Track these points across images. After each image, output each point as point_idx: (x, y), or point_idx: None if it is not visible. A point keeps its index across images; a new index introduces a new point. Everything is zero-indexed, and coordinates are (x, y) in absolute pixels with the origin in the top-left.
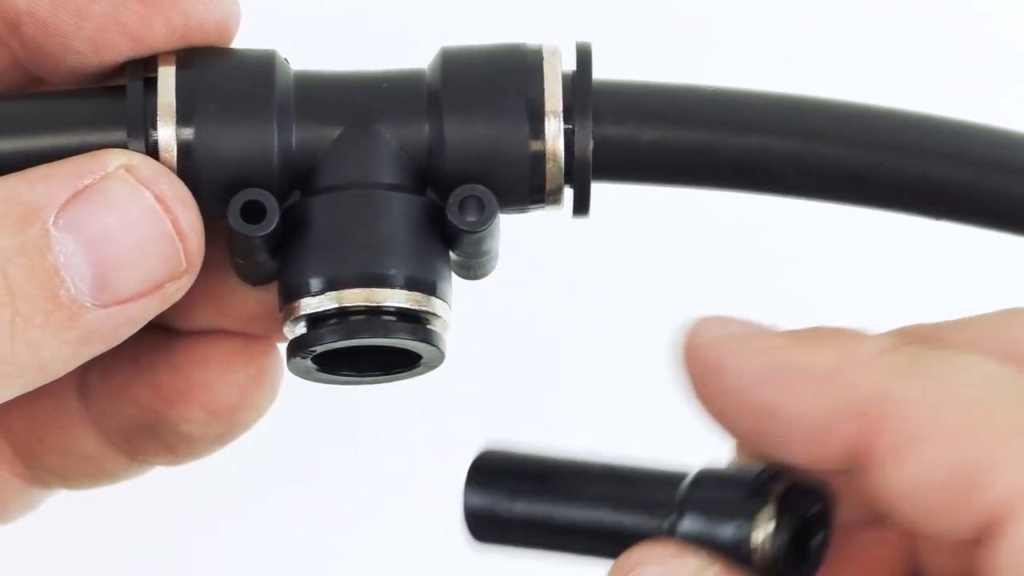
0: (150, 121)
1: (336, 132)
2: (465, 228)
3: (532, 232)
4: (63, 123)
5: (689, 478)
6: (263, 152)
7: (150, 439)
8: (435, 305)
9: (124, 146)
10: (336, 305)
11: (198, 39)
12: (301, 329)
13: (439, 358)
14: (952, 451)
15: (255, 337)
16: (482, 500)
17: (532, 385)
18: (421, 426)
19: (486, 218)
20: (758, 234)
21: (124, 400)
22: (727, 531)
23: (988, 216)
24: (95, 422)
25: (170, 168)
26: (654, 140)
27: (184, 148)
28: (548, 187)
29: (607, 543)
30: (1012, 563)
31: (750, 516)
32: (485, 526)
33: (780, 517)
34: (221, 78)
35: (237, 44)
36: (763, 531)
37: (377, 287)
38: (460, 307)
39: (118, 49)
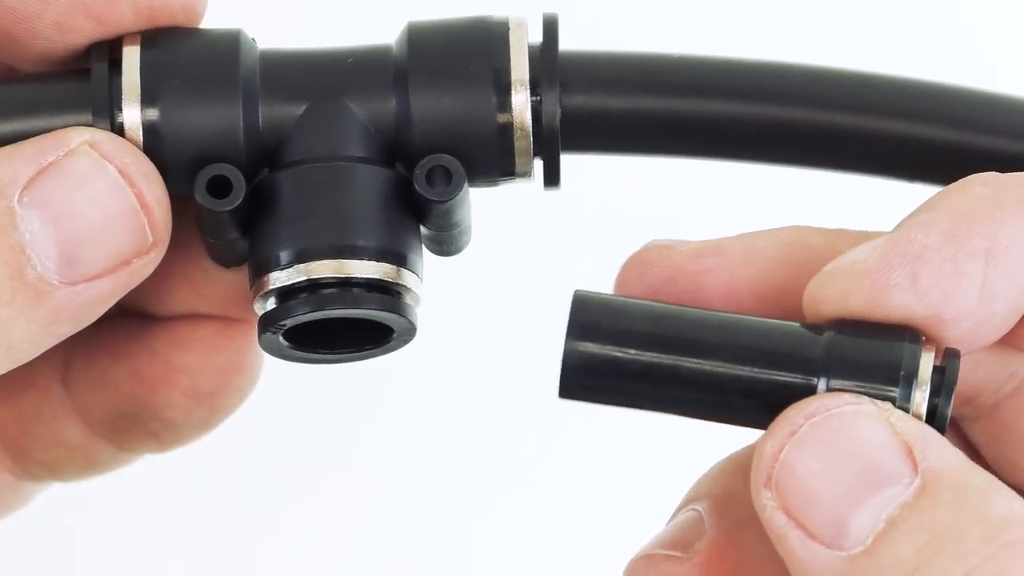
0: (115, 102)
1: (302, 108)
2: (433, 198)
3: (508, 206)
4: (29, 107)
5: (828, 334)
6: (229, 129)
7: (134, 426)
8: (405, 277)
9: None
10: (305, 277)
11: (164, 20)
12: (271, 304)
13: (411, 331)
14: None
15: (233, 320)
16: (589, 348)
17: (517, 367)
18: (417, 420)
19: (453, 188)
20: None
21: (106, 388)
22: (883, 391)
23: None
24: (80, 412)
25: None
26: (623, 109)
27: (150, 128)
28: (517, 158)
29: (737, 399)
30: None
31: (908, 378)
32: (587, 377)
33: (934, 378)
34: (185, 57)
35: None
36: (922, 393)
37: (346, 258)
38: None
39: (84, 32)
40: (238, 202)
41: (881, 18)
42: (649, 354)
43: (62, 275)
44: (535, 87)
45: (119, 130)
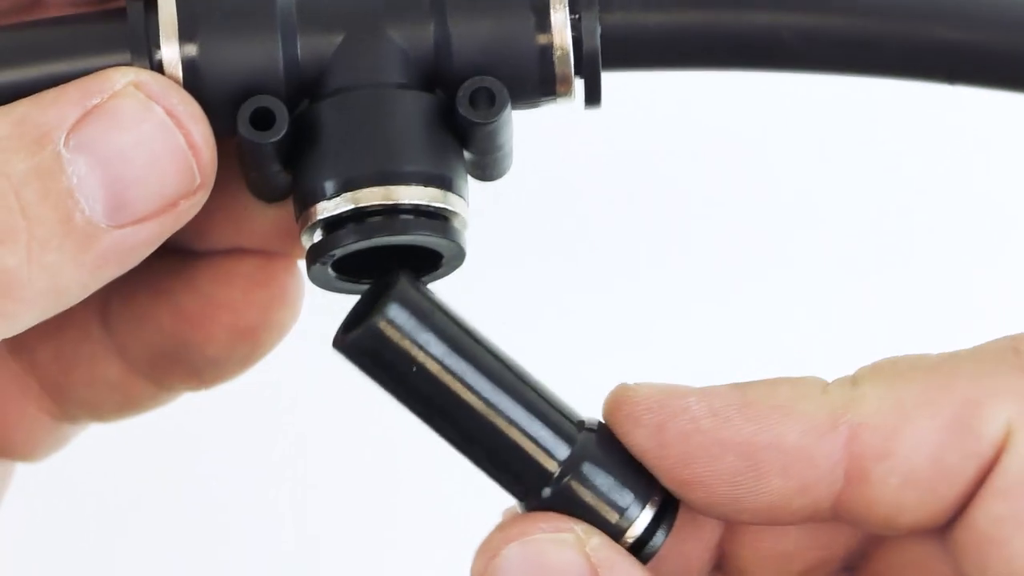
0: (152, 40)
1: (341, 37)
2: (477, 120)
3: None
4: (68, 49)
5: (586, 436)
6: (269, 62)
7: (175, 364)
8: (452, 201)
9: (129, 66)
10: (352, 206)
11: None
12: (318, 236)
13: (460, 255)
14: (936, 413)
15: (275, 255)
16: (400, 327)
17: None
18: None
19: (497, 109)
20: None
21: (147, 326)
22: (612, 509)
23: (999, 76)
24: (120, 351)
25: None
26: (662, 23)
27: (189, 64)
28: (558, 79)
29: (490, 453)
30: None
31: (641, 501)
32: (372, 354)
33: (661, 511)
34: None
35: None
36: (646, 519)
37: (393, 185)
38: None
39: None
40: (282, 133)
41: None
42: (434, 370)
43: (110, 218)
44: (574, 6)
45: (158, 68)
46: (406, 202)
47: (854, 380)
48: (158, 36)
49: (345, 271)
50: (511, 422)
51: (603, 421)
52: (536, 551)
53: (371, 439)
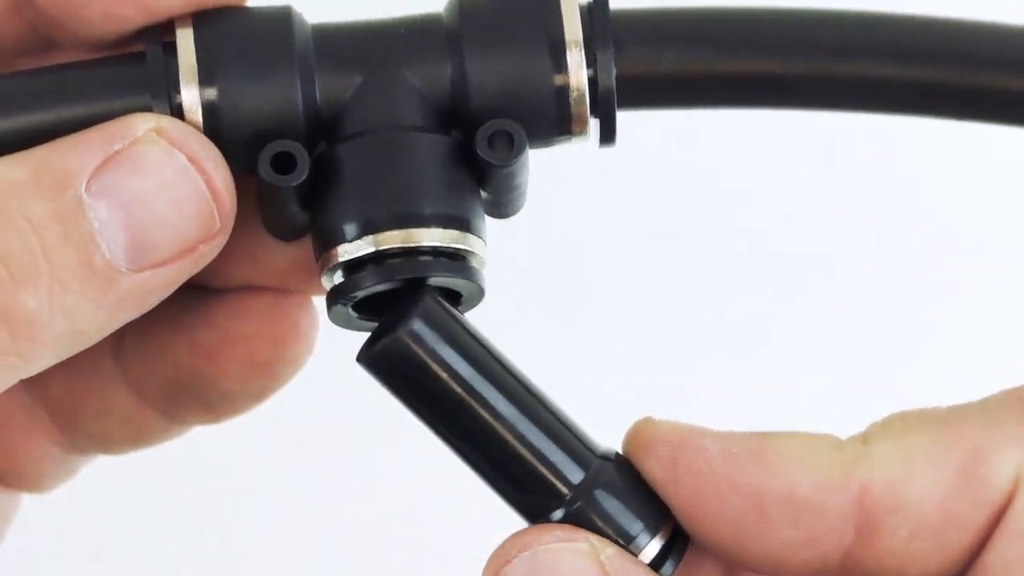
0: (172, 84)
1: (359, 80)
2: (496, 163)
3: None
4: (87, 93)
5: (601, 464)
6: (288, 105)
7: (189, 397)
8: (471, 242)
9: (149, 110)
10: (373, 249)
11: (211, 1)
12: (339, 278)
13: (479, 294)
14: (944, 463)
15: (290, 291)
16: (424, 341)
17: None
18: None
19: (516, 152)
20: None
21: (162, 360)
22: (621, 535)
23: (1013, 114)
24: (132, 384)
25: (196, 128)
26: (677, 63)
27: (209, 108)
28: (574, 119)
29: (502, 470)
30: None
31: (651, 531)
32: (403, 360)
33: (670, 543)
34: (239, 35)
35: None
36: (655, 548)
37: (413, 227)
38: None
39: (132, 20)
40: (303, 177)
41: None
42: (454, 387)
43: (131, 262)
44: (590, 46)
45: (177, 111)
46: (426, 244)
47: (865, 438)
48: (178, 80)
49: (364, 310)
50: (527, 442)
51: (621, 452)
52: (550, 560)
53: (386, 471)
